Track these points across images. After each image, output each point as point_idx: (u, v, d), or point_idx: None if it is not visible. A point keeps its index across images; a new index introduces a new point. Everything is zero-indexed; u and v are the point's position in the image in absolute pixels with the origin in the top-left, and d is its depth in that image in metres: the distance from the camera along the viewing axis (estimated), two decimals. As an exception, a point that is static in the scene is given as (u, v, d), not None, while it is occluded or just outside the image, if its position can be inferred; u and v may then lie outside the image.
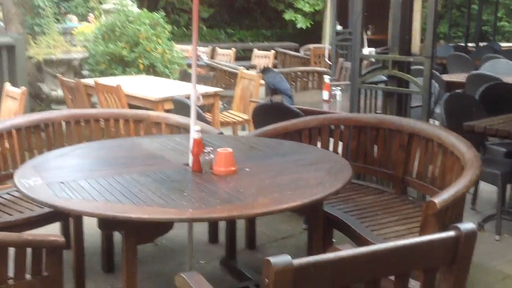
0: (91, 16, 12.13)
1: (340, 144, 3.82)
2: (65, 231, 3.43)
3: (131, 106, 5.55)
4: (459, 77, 6.69)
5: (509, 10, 14.65)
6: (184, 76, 7.24)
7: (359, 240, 2.87)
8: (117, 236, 3.14)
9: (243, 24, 16.13)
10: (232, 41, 15.34)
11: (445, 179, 3.08)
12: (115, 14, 7.47)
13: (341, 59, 8.77)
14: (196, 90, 2.98)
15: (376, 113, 4.30)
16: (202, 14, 15.29)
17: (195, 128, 2.86)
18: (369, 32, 12.35)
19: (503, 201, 4.20)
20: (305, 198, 2.48)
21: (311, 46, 12.00)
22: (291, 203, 2.43)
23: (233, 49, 10.34)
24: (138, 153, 3.27)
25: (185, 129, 4.01)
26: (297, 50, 12.57)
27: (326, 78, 5.38)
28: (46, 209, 3.04)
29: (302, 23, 14.56)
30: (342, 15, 10.85)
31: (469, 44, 13.28)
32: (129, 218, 2.31)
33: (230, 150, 2.85)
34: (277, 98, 4.61)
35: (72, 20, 11.35)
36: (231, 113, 6.44)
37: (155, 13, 7.66)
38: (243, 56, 12.31)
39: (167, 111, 5.75)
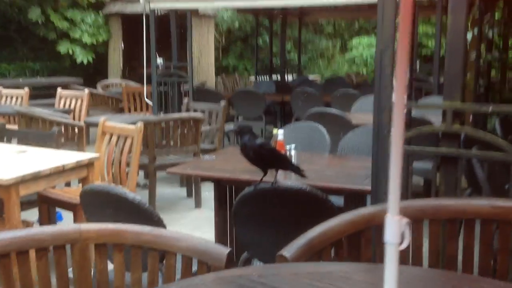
0: None
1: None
2: None
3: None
4: (362, 118, 5.62)
5: (297, 42, 14.75)
6: (2, 132, 4.83)
7: None
8: None
9: (1, 55, 13.12)
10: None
11: None
12: None
13: (185, 99, 7.20)
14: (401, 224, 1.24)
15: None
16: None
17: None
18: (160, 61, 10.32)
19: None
20: None
21: (120, 82, 10.08)
22: None
23: (26, 88, 7.86)
24: None
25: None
26: (85, 86, 10.42)
27: (280, 133, 3.64)
28: None
29: (82, 56, 12.35)
30: (161, 47, 9.25)
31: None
32: None
33: None
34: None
35: None
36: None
37: None
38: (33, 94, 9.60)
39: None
